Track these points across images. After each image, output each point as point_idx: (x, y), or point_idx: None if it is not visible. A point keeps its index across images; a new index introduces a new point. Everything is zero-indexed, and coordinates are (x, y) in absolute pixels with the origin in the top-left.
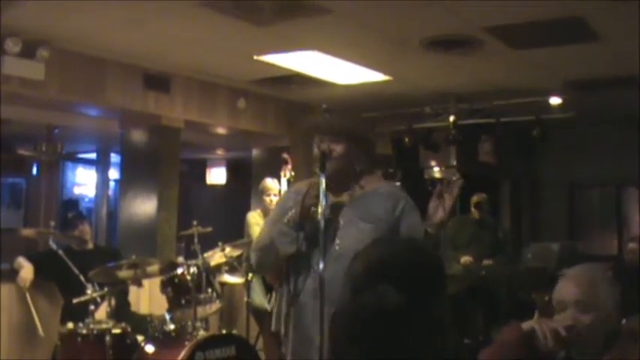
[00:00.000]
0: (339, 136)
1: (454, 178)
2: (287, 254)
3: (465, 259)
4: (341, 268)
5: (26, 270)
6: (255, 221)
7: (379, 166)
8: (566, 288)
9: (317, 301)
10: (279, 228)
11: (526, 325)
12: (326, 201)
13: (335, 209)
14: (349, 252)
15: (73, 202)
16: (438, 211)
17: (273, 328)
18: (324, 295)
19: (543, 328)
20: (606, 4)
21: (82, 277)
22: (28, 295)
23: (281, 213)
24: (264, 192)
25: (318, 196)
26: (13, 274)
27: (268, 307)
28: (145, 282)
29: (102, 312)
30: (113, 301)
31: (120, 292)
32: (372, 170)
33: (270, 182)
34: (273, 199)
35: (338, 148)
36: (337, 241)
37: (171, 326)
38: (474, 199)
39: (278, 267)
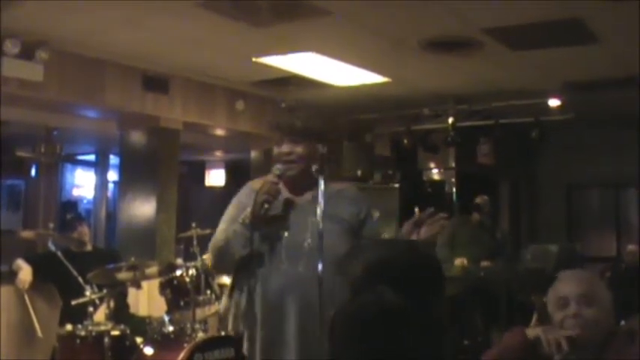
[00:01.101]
0: (300, 136)
1: (439, 215)
2: (242, 255)
3: (460, 260)
4: (315, 266)
5: (25, 272)
6: None
7: (334, 164)
8: (568, 284)
9: (287, 300)
10: (234, 228)
11: (531, 332)
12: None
13: (290, 207)
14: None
15: (72, 204)
16: (412, 236)
17: (230, 328)
18: (299, 293)
19: (548, 338)
20: (605, 6)
21: (80, 279)
22: (26, 297)
23: (237, 211)
24: None
25: (271, 194)
26: (11, 276)
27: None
28: (144, 284)
29: (101, 314)
30: (112, 303)
31: (119, 294)
32: (333, 170)
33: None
34: None
35: (298, 149)
36: (308, 238)
37: (170, 328)
38: (476, 200)
39: (234, 267)
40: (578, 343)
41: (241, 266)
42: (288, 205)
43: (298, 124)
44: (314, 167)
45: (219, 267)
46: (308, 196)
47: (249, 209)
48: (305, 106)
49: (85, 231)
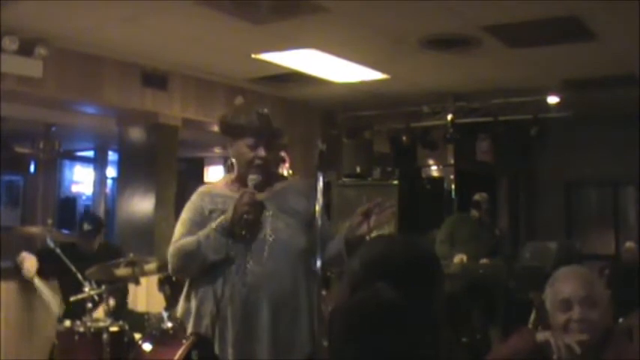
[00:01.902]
0: (274, 140)
1: (387, 204)
2: (214, 260)
3: (459, 257)
4: (281, 259)
5: (29, 261)
6: None
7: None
8: (569, 285)
9: (257, 296)
10: (206, 233)
11: (540, 336)
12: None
13: (261, 210)
14: (284, 244)
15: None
16: (362, 225)
17: (192, 329)
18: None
19: (558, 343)
20: (604, 3)
21: (79, 275)
22: (36, 280)
23: (195, 216)
24: None
25: (251, 205)
26: (16, 270)
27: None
28: (143, 280)
29: (101, 311)
30: (112, 301)
31: (119, 291)
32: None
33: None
34: None
35: (270, 155)
36: (269, 232)
37: (169, 324)
38: (475, 197)
39: (201, 271)
40: (590, 351)
41: (203, 270)
42: (260, 208)
43: (275, 128)
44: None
45: (185, 271)
46: (267, 193)
47: (223, 216)
48: (260, 104)
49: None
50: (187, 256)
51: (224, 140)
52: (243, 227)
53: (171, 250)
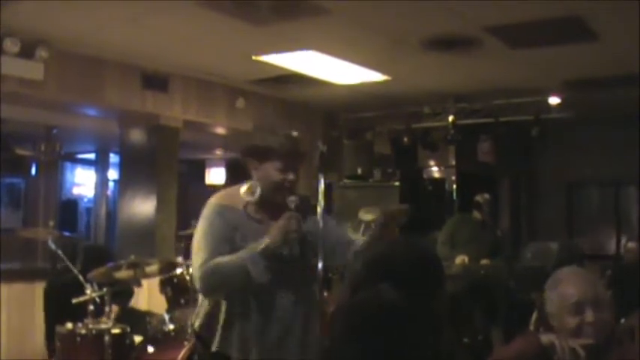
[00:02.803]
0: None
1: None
2: (261, 282)
3: (460, 258)
4: (310, 283)
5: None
6: None
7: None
8: (579, 289)
9: (291, 322)
10: (252, 256)
11: (545, 338)
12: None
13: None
14: (312, 269)
15: (73, 204)
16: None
17: (217, 347)
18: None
19: (563, 345)
20: (605, 4)
21: (81, 277)
22: None
23: (227, 232)
24: None
25: (297, 230)
26: (12, 274)
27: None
28: (144, 282)
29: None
30: (116, 307)
31: (125, 292)
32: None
33: None
34: None
35: (296, 177)
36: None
37: (171, 326)
38: (476, 198)
39: (238, 293)
40: (592, 348)
41: (241, 292)
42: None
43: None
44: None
45: (221, 292)
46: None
47: (267, 239)
48: (289, 127)
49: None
50: (229, 277)
51: (225, 142)
52: (287, 251)
53: (205, 269)
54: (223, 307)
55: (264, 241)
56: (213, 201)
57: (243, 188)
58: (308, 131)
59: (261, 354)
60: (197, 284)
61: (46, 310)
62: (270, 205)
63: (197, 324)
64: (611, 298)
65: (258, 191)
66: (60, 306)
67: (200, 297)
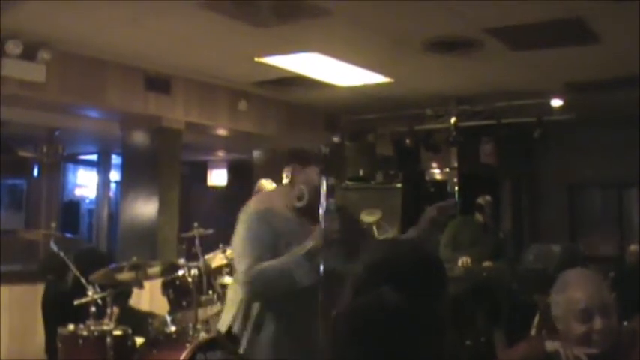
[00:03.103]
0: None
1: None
2: (306, 285)
3: (464, 260)
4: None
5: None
6: None
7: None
8: (587, 294)
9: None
10: (296, 260)
11: (550, 345)
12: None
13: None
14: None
15: (75, 206)
16: None
17: (247, 349)
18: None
19: (567, 353)
20: (606, 6)
21: (83, 279)
22: None
23: (270, 238)
24: None
25: (340, 231)
26: (12, 276)
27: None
28: (146, 283)
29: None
30: (115, 307)
31: (121, 294)
32: None
33: (265, 182)
34: None
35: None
36: None
37: (172, 328)
38: (479, 200)
39: (284, 296)
40: (597, 356)
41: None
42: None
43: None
44: None
45: (268, 295)
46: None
47: (311, 242)
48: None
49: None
50: (275, 281)
51: (227, 144)
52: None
53: (252, 273)
54: (256, 310)
55: (308, 244)
56: (253, 206)
57: (285, 192)
58: (310, 133)
59: (294, 356)
60: (242, 289)
61: (44, 318)
62: (309, 209)
63: (227, 326)
64: (615, 301)
65: (307, 196)
66: (58, 314)
67: (230, 298)
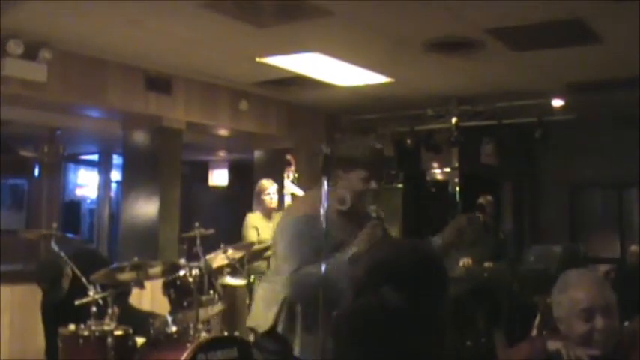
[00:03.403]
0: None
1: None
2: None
3: (465, 260)
4: None
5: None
6: (252, 223)
7: None
8: (589, 294)
9: None
10: (340, 265)
11: (552, 345)
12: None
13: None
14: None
15: (76, 206)
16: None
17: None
18: None
19: (569, 353)
20: (607, 6)
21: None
22: None
23: (314, 243)
24: (262, 192)
25: (383, 234)
26: (15, 276)
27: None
28: (147, 283)
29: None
30: (116, 308)
31: (121, 294)
32: None
33: (266, 182)
34: (273, 199)
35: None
36: None
37: (173, 328)
38: (479, 201)
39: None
40: (599, 356)
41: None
42: None
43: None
44: None
45: (310, 299)
46: None
47: (355, 248)
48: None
49: None
50: (318, 285)
51: (228, 144)
52: None
53: (297, 277)
54: (301, 310)
55: (352, 250)
56: (296, 213)
57: (326, 196)
58: (311, 133)
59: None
60: (287, 291)
61: (43, 322)
62: (352, 213)
63: (270, 326)
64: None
65: (349, 201)
66: (55, 320)
67: (261, 297)
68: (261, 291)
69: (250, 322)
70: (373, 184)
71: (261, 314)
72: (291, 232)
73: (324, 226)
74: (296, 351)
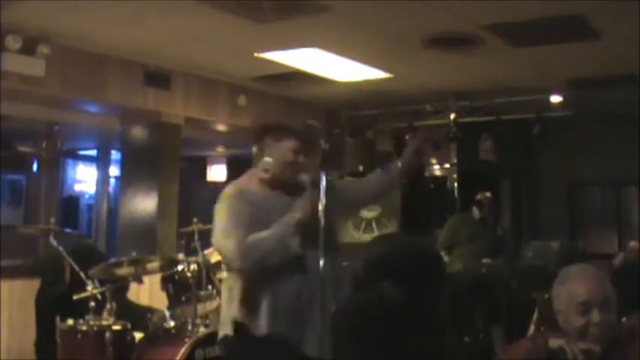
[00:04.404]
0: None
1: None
2: (298, 253)
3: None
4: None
5: None
6: None
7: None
8: (587, 288)
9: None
10: (288, 229)
11: (554, 343)
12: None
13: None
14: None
15: (74, 201)
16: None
17: (267, 329)
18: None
19: (574, 350)
20: (606, 3)
21: (82, 274)
22: None
23: (255, 211)
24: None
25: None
26: (13, 271)
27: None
28: (146, 279)
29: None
30: (114, 303)
31: (119, 289)
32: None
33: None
34: None
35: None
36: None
37: (172, 323)
38: (478, 197)
39: (279, 264)
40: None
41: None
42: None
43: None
44: None
45: (264, 264)
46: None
47: (296, 214)
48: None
49: None
50: (269, 251)
51: (226, 139)
52: (312, 225)
53: (244, 246)
54: (250, 294)
55: (296, 215)
56: (228, 190)
57: (255, 169)
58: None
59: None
60: (236, 263)
61: (37, 314)
62: (279, 182)
63: (235, 315)
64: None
65: (272, 168)
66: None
67: (226, 298)
68: (224, 292)
69: (221, 331)
70: (301, 157)
71: (225, 314)
72: (225, 209)
73: (255, 196)
74: (263, 328)
